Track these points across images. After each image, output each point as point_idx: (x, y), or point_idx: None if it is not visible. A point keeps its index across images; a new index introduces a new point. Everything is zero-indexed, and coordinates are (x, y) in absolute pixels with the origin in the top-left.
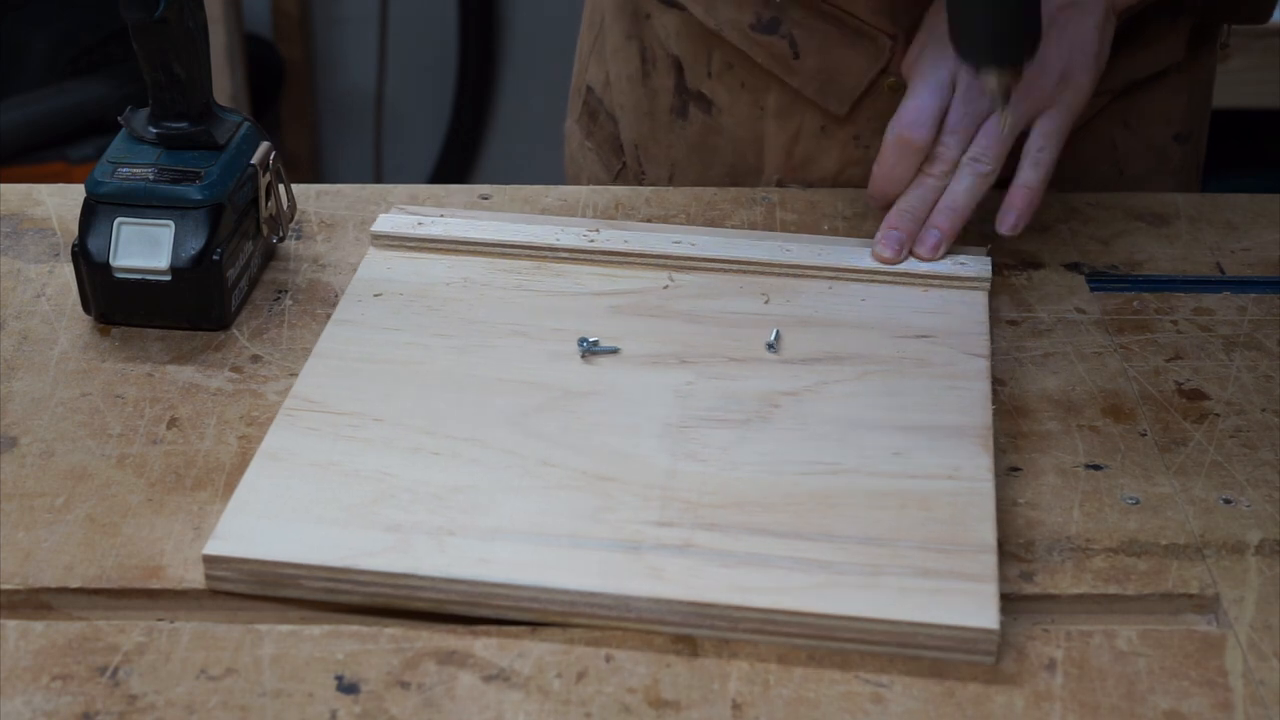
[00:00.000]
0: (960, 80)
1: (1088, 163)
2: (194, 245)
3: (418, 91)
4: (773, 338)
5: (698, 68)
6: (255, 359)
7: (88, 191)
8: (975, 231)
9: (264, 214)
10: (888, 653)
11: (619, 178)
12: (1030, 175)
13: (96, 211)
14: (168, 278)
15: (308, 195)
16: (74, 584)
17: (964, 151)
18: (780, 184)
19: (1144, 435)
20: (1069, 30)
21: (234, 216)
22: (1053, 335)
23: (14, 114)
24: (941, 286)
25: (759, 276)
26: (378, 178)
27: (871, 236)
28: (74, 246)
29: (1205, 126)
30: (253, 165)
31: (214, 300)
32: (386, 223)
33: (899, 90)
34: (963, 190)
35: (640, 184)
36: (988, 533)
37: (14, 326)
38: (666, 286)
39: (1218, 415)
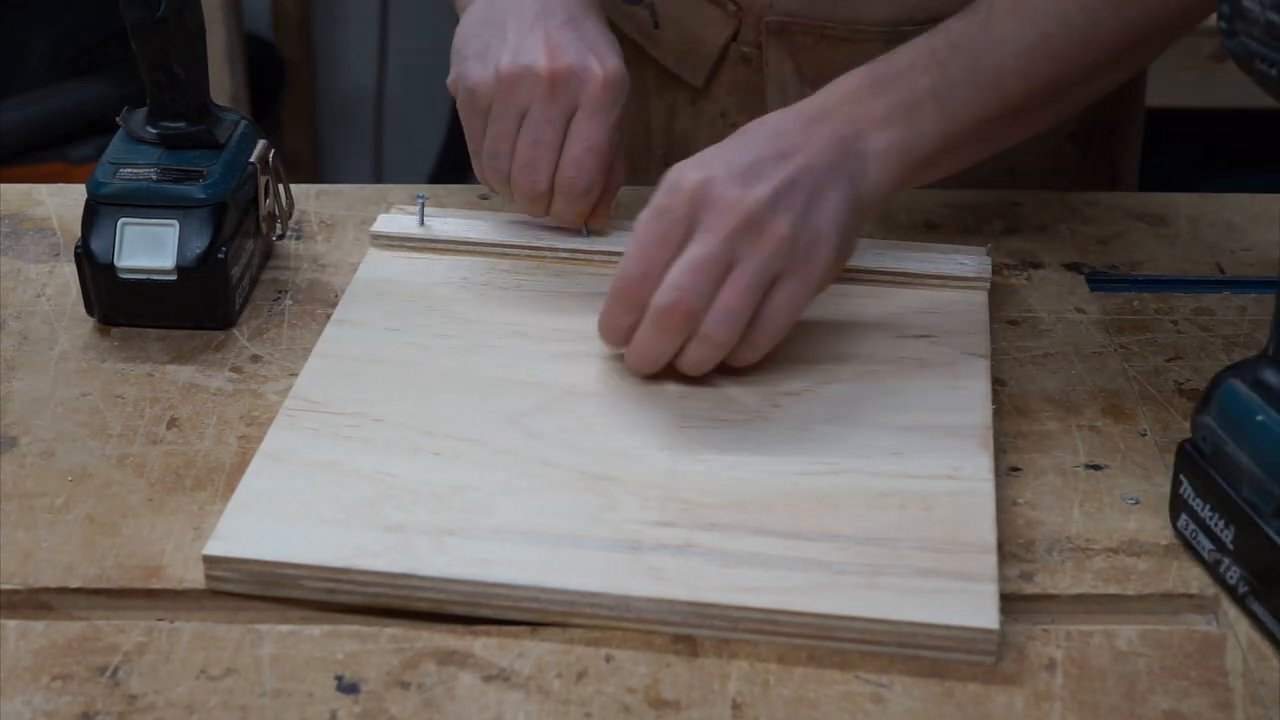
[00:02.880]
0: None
1: (979, 164)
2: (199, 244)
3: (418, 91)
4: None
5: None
6: (255, 359)
7: (90, 192)
8: (976, 232)
9: (263, 212)
10: (888, 653)
11: None
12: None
13: (99, 212)
14: (173, 277)
15: (308, 195)
16: (74, 584)
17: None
18: (668, 163)
19: (1144, 435)
20: (824, 186)
21: (236, 215)
22: (1053, 335)
23: (14, 114)
24: (941, 286)
25: None
26: (378, 178)
27: (871, 237)
28: (77, 248)
29: (1126, 123)
30: (252, 163)
31: (219, 299)
32: (386, 223)
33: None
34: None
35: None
36: (988, 533)
37: (14, 326)
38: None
39: None
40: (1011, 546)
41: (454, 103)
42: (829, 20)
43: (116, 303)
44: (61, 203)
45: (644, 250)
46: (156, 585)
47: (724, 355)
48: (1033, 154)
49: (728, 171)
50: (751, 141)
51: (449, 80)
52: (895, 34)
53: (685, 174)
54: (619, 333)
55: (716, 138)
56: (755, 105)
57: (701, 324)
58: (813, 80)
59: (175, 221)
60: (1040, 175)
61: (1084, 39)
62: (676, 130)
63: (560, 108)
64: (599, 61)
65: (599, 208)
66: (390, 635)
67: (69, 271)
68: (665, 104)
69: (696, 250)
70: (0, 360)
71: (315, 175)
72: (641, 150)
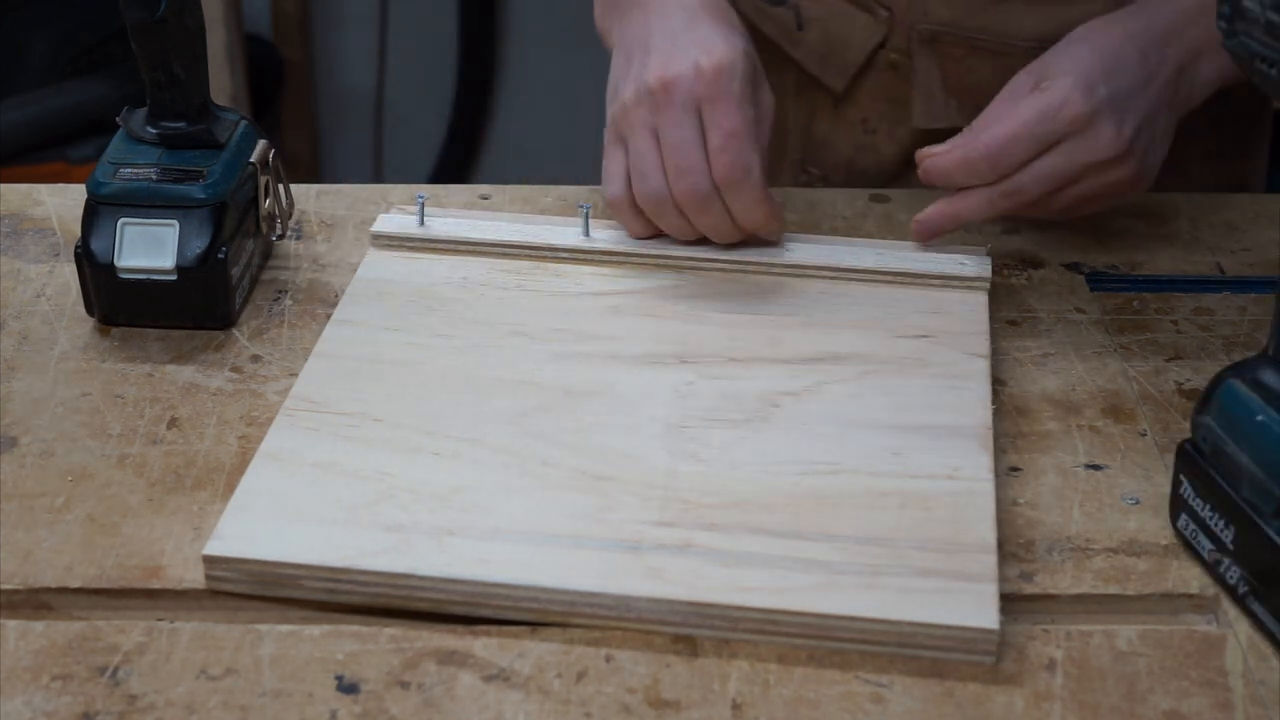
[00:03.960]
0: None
1: None
2: (199, 244)
3: (418, 91)
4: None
5: None
6: (255, 359)
7: (90, 193)
8: (976, 231)
9: (263, 212)
10: (888, 653)
11: None
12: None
13: (99, 212)
14: (173, 277)
15: (308, 195)
16: (74, 584)
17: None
18: (803, 167)
19: (1144, 435)
20: (1163, 130)
21: (236, 215)
22: (1053, 335)
23: (14, 114)
24: (941, 286)
25: (759, 276)
26: (378, 178)
27: (871, 236)
28: (77, 248)
29: (1254, 137)
30: (252, 163)
31: (219, 299)
32: (386, 223)
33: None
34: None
35: None
36: (988, 533)
37: (14, 326)
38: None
39: None
40: (1011, 546)
41: (455, 102)
42: (981, 32)
43: (116, 303)
44: (61, 203)
45: (1014, 139)
46: (156, 585)
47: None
48: (1165, 172)
49: (1110, 104)
50: (1126, 65)
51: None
52: (1044, 49)
53: (1074, 95)
54: (951, 177)
55: (856, 144)
56: (898, 113)
57: (1031, 211)
58: (958, 91)
59: (175, 221)
60: (1174, 189)
61: None
62: (815, 134)
63: (683, 110)
64: (704, 55)
65: (775, 212)
66: (390, 635)
67: (69, 271)
68: (804, 108)
69: (1058, 165)
70: (0, 360)
71: (315, 175)
72: (776, 153)
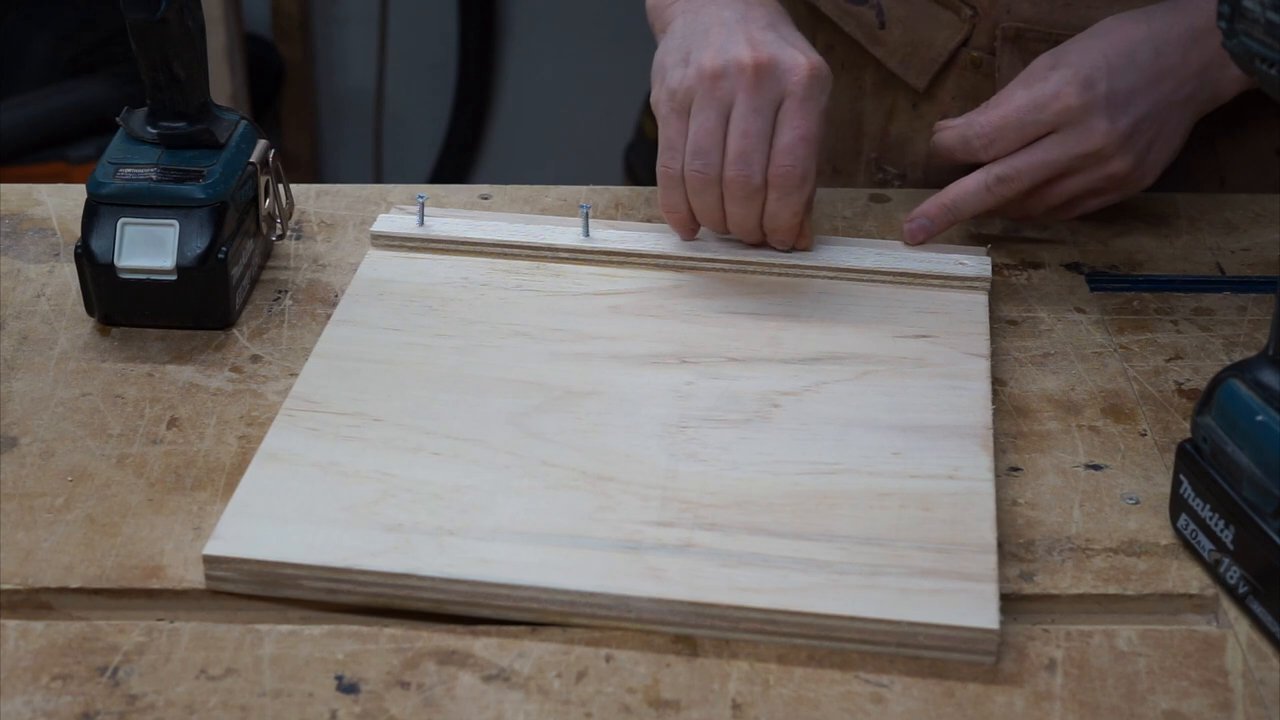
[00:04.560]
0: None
1: (1190, 169)
2: (199, 244)
3: (418, 91)
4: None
5: None
6: (255, 359)
7: (90, 192)
8: (974, 232)
9: (263, 212)
10: (888, 653)
11: None
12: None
13: (99, 212)
14: (173, 277)
15: (308, 195)
16: (74, 584)
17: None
18: (880, 167)
19: (1144, 435)
20: (1171, 127)
21: (236, 215)
22: (1053, 335)
23: (14, 114)
24: (941, 286)
25: (759, 276)
26: (378, 178)
27: (871, 236)
28: (77, 248)
29: None
30: (252, 163)
31: (219, 299)
32: (386, 223)
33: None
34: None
35: None
36: (988, 533)
37: (14, 326)
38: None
39: None
40: (1011, 546)
41: (454, 102)
42: (1064, 28)
43: (116, 303)
44: (61, 203)
45: (1004, 124)
46: (156, 585)
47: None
48: (1243, 165)
49: (1107, 100)
50: (1137, 62)
51: (651, 100)
52: None
53: (1068, 89)
54: (952, 151)
55: None
56: None
57: (1029, 207)
58: None
59: (175, 221)
60: (1248, 184)
61: None
62: (893, 133)
63: (767, 98)
64: (802, 53)
65: (805, 226)
66: (390, 635)
67: (69, 271)
68: (883, 106)
69: (1049, 154)
70: (0, 360)
71: (315, 175)
72: (850, 153)
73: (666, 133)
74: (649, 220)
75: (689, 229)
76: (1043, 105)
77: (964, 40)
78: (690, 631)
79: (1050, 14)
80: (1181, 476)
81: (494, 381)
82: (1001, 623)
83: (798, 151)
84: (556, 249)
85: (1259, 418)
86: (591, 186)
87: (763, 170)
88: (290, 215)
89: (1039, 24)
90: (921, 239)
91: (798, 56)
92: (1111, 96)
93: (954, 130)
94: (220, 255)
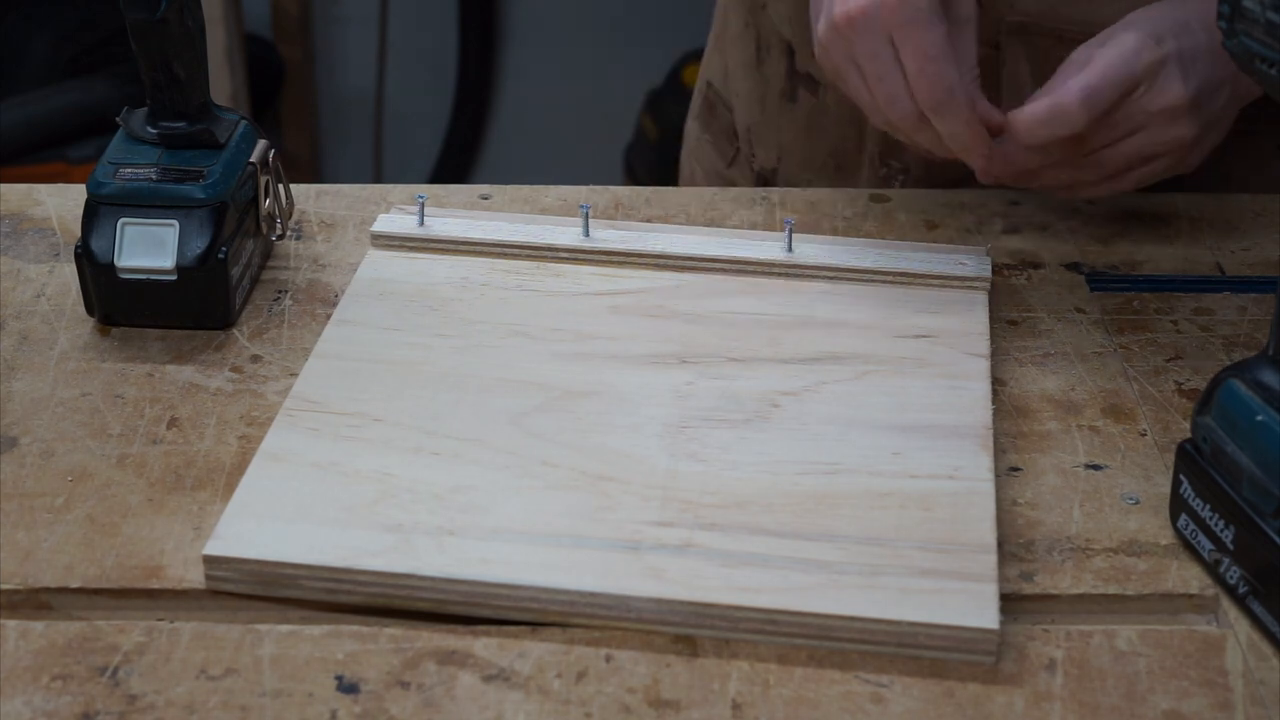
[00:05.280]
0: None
1: (1195, 172)
2: (199, 244)
3: (418, 91)
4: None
5: (806, 49)
6: (255, 359)
7: (89, 192)
8: (975, 231)
9: (263, 212)
10: (888, 653)
11: (733, 164)
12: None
13: (99, 212)
14: (173, 277)
15: (308, 195)
16: (74, 584)
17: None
18: (884, 163)
19: (1144, 435)
20: (1225, 109)
21: (236, 215)
22: (1053, 335)
23: (14, 114)
24: (941, 286)
25: (759, 277)
26: (378, 178)
27: (871, 236)
28: (77, 248)
29: None
30: (252, 163)
31: (219, 299)
32: (386, 223)
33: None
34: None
35: (751, 168)
36: (988, 533)
37: (14, 326)
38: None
39: None
40: (1011, 546)
41: (454, 102)
42: (1069, 22)
43: (116, 303)
44: (61, 203)
45: (1105, 82)
46: (156, 585)
47: (1075, 189)
48: (1245, 163)
49: (1179, 55)
50: (1190, 30)
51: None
52: None
53: (1147, 44)
54: (1043, 127)
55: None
56: None
57: (1087, 161)
58: (1045, 82)
59: (175, 221)
60: (1247, 183)
61: None
62: None
63: (875, 40)
64: None
65: (980, 135)
66: (390, 635)
67: (69, 271)
68: None
69: (1131, 111)
70: (0, 360)
71: (315, 175)
72: (854, 148)
73: (854, 94)
74: (649, 220)
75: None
76: (1130, 60)
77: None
78: (690, 631)
79: (1055, 8)
80: (1181, 476)
81: (494, 381)
82: (1001, 623)
83: (928, 71)
84: (556, 249)
85: (1259, 418)
86: (591, 186)
87: (912, 101)
88: (290, 215)
89: (1044, 18)
90: (990, 168)
91: None
92: (1181, 55)
93: (1040, 104)
94: (220, 255)
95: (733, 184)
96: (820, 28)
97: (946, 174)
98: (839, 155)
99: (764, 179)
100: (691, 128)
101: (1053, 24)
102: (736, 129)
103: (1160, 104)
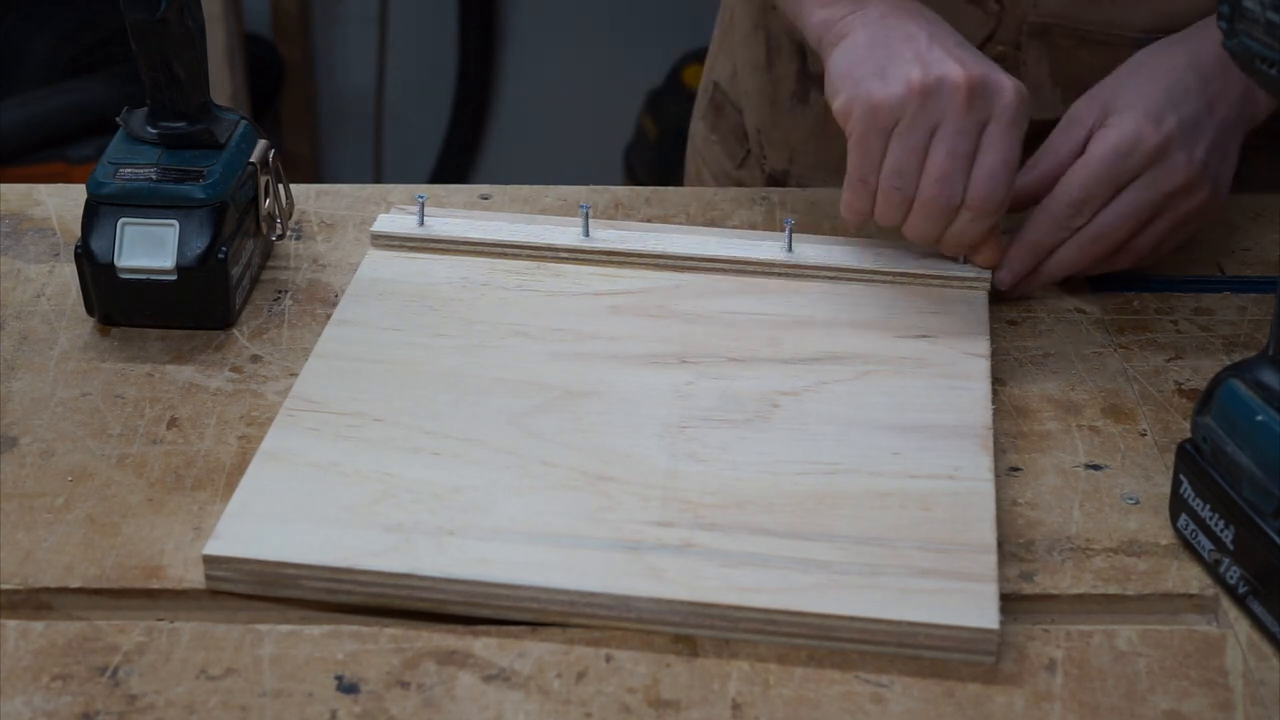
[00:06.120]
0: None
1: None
2: (199, 244)
3: (418, 91)
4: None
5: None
6: (255, 359)
7: (90, 192)
8: None
9: (263, 212)
10: (888, 653)
11: (743, 165)
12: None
13: (99, 212)
14: (173, 277)
15: (308, 195)
16: (74, 584)
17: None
18: None
19: (1144, 435)
20: (1231, 151)
21: (236, 215)
22: (1053, 335)
23: (14, 114)
24: (941, 286)
25: (759, 277)
26: (378, 178)
27: (871, 237)
28: (77, 248)
29: None
30: (252, 163)
31: (219, 299)
32: (386, 223)
33: (1006, 60)
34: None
35: (762, 169)
36: (988, 533)
37: (14, 326)
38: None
39: None
40: (1011, 546)
41: (454, 102)
42: (1090, 23)
43: (116, 303)
44: (61, 203)
45: (1095, 182)
46: (156, 585)
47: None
48: (1263, 165)
49: (1180, 133)
50: (1189, 92)
51: (836, 108)
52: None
53: (1146, 130)
54: (1038, 251)
55: None
56: None
57: (1117, 260)
58: (1066, 83)
59: (175, 221)
60: (1266, 186)
61: None
62: None
63: (976, 119)
64: (1007, 75)
65: (995, 241)
66: (390, 635)
67: (69, 271)
68: None
69: (1139, 199)
70: (0, 360)
71: (315, 175)
72: None
73: (864, 147)
74: (649, 220)
75: (861, 226)
76: (1128, 151)
77: (989, 35)
78: (690, 631)
79: (1077, 10)
80: (1181, 476)
81: (494, 381)
82: (1001, 623)
83: (1000, 176)
84: (556, 249)
85: (1259, 418)
86: (591, 186)
87: (962, 192)
88: (290, 215)
89: (1066, 19)
90: (1010, 283)
91: (1005, 79)
92: (1183, 128)
93: (1035, 221)
94: (220, 255)
95: (742, 185)
96: (916, 76)
97: None
98: None
99: (775, 180)
100: (698, 128)
101: (1074, 25)
102: (746, 130)
103: (1172, 184)
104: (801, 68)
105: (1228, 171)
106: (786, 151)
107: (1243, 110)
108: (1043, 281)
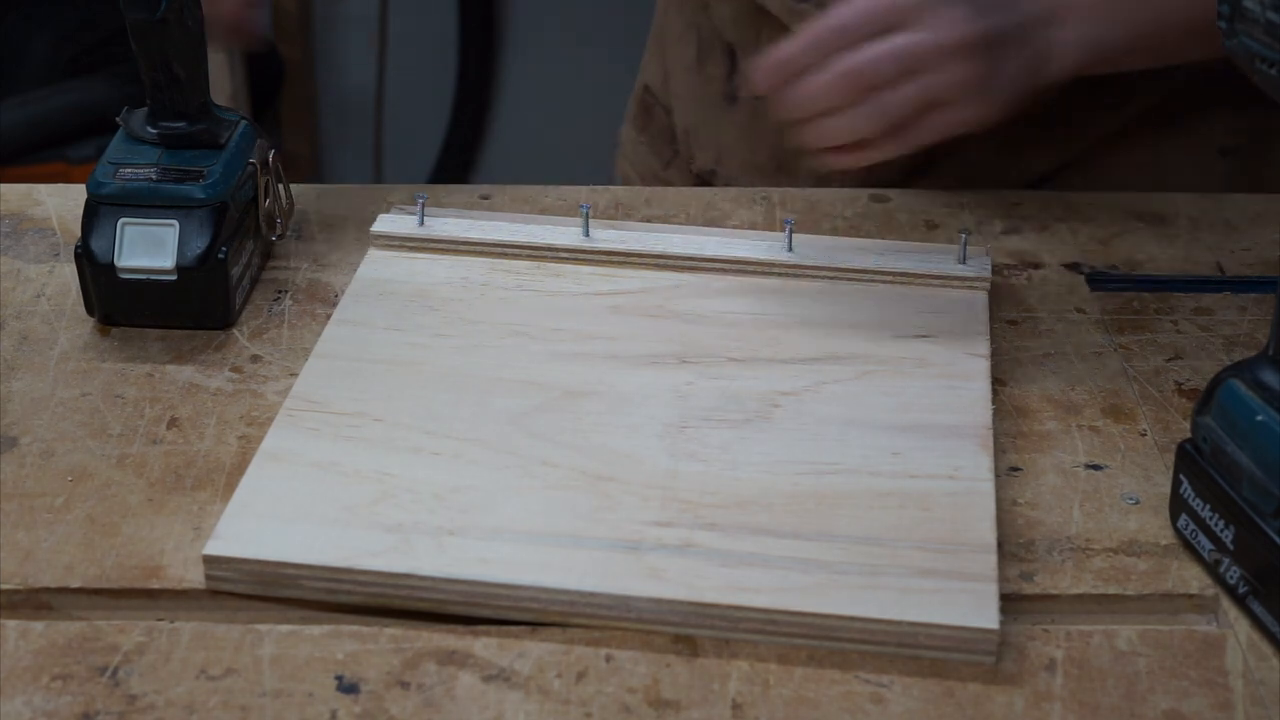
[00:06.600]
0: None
1: (1128, 171)
2: (199, 244)
3: (418, 91)
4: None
5: (749, 51)
6: (255, 359)
7: (89, 193)
8: (976, 232)
9: (263, 212)
10: (888, 653)
11: (670, 166)
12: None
13: (99, 213)
14: (173, 277)
15: (308, 195)
16: (74, 584)
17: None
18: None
19: (1144, 435)
20: (1015, 67)
21: (236, 214)
22: (1053, 335)
23: (14, 114)
24: (941, 286)
25: (759, 277)
26: (378, 178)
27: (871, 236)
28: (77, 248)
29: (1272, 137)
30: (252, 163)
31: (219, 299)
32: (386, 223)
33: None
34: None
35: (690, 170)
36: (988, 533)
37: (14, 326)
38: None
39: None
40: (1011, 546)
41: (454, 102)
42: None
43: (116, 303)
44: (61, 203)
45: (861, 14)
46: (156, 585)
47: (858, 136)
48: (1183, 167)
49: (982, 38)
50: (999, 18)
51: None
52: None
53: (953, 26)
54: (789, 66)
55: None
56: None
57: (866, 102)
58: None
59: (175, 221)
60: (1188, 185)
61: None
62: None
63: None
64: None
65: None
66: (390, 635)
67: (69, 271)
68: None
69: (907, 40)
70: (0, 360)
71: (315, 175)
72: (792, 153)
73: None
74: (649, 220)
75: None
76: None
77: None
78: (690, 631)
79: None
80: (1181, 476)
81: (494, 381)
82: (1001, 623)
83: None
84: (556, 249)
85: (1259, 418)
86: (591, 186)
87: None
88: (290, 215)
89: None
90: (764, 87)
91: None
92: None
93: (797, 38)
94: (220, 255)
95: (669, 185)
96: None
97: (876, 174)
98: (779, 156)
99: (703, 180)
100: (627, 133)
101: None
102: (675, 131)
103: (943, 36)
104: (731, 68)
105: (1008, 84)
106: (715, 151)
107: (1041, 40)
108: (815, 140)
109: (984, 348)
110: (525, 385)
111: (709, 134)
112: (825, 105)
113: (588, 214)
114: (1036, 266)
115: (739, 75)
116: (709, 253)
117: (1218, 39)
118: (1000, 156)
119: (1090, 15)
